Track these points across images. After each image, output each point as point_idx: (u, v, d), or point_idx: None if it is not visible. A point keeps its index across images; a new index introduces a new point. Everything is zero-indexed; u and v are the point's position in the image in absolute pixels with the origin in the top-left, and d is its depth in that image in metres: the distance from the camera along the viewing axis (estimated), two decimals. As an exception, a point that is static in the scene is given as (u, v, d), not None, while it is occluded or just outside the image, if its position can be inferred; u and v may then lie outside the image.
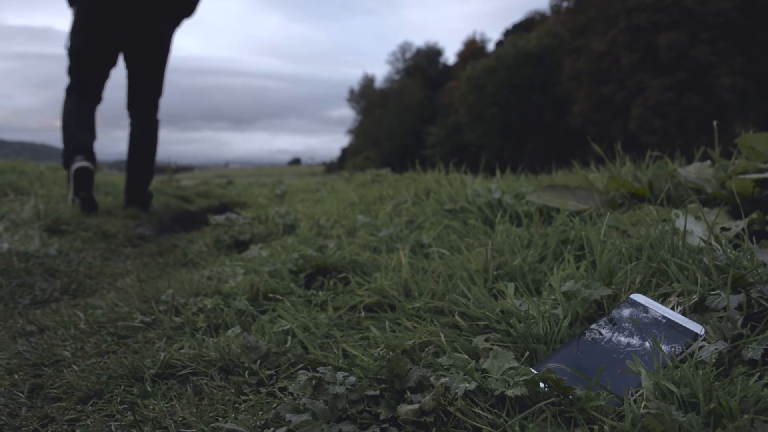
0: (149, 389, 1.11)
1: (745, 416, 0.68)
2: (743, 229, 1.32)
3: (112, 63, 3.87)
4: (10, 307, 1.82)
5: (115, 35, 3.74)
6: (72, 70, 3.78)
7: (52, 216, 3.04)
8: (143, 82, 3.99)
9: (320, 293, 1.56)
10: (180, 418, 0.97)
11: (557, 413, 0.80)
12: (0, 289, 1.98)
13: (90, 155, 3.64)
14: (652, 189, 1.85)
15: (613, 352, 0.96)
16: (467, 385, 0.86)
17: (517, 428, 0.78)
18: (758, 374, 0.81)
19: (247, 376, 1.12)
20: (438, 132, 40.12)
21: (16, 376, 1.23)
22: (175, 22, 4.02)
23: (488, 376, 0.89)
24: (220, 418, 0.96)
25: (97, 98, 3.86)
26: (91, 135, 3.72)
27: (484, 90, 35.42)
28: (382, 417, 0.86)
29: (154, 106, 4.06)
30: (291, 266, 1.77)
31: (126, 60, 3.91)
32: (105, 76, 3.87)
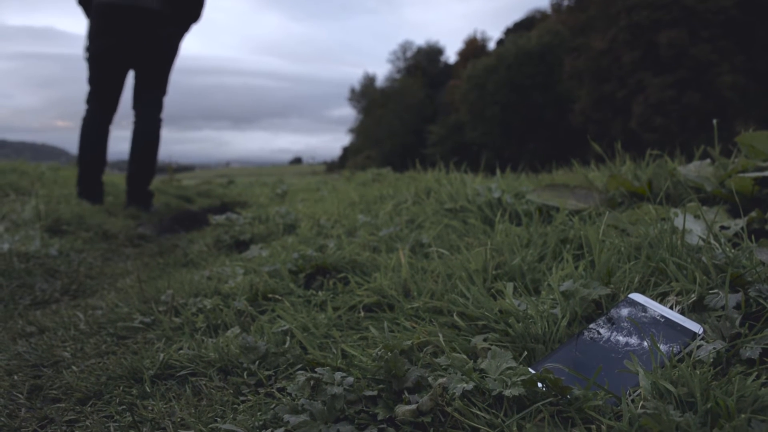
0: (148, 390, 1.11)
1: (743, 416, 0.68)
2: (742, 228, 1.32)
3: (126, 69, 4.03)
4: (10, 308, 1.83)
5: (126, 39, 3.88)
6: (91, 79, 3.99)
7: (52, 216, 3.04)
8: (149, 81, 4.11)
9: (320, 293, 1.56)
10: (179, 419, 0.98)
11: (555, 413, 0.80)
12: (0, 289, 1.99)
13: (98, 195, 4.06)
14: (652, 188, 1.85)
15: (612, 351, 0.96)
16: (465, 385, 0.86)
17: (515, 428, 0.78)
18: (756, 373, 0.81)
19: (245, 377, 1.12)
20: (439, 131, 40.08)
21: (15, 377, 1.24)
22: (183, 27, 4.17)
23: (486, 376, 0.89)
24: (218, 419, 0.97)
25: (113, 108, 4.06)
26: (101, 167, 4.09)
27: (485, 89, 35.37)
28: (379, 417, 0.86)
29: (159, 105, 4.14)
30: (291, 266, 1.77)
31: (134, 61, 3.98)
32: (120, 82, 4.04)
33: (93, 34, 3.91)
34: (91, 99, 4.01)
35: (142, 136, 4.11)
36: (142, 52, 3.95)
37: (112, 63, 3.95)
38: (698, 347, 0.91)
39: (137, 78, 4.09)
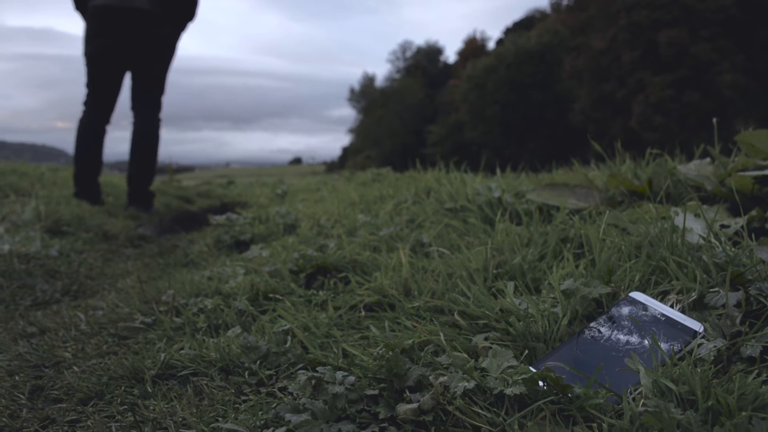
0: (149, 390, 1.12)
1: (743, 414, 0.68)
2: (742, 227, 1.32)
3: (122, 70, 4.04)
4: (11, 309, 1.83)
5: (121, 40, 3.90)
6: (88, 81, 4.02)
7: (52, 217, 3.04)
8: (147, 82, 4.12)
9: (320, 293, 1.56)
10: (180, 419, 0.98)
11: (556, 411, 0.80)
12: (1, 290, 1.99)
13: (95, 195, 4.08)
14: (652, 187, 1.85)
15: (612, 350, 0.96)
16: (466, 384, 0.86)
17: (516, 427, 0.78)
18: (756, 371, 0.81)
19: (247, 377, 1.12)
20: (439, 131, 40.08)
21: (17, 378, 1.24)
22: (179, 27, 4.18)
23: (487, 375, 0.89)
24: (220, 419, 0.97)
25: (110, 109, 4.08)
26: (97, 167, 4.13)
27: (485, 88, 35.38)
28: (381, 416, 0.86)
29: (157, 105, 4.14)
30: (291, 266, 1.78)
31: (130, 62, 3.99)
32: (117, 83, 4.05)
33: (89, 36, 3.94)
34: (88, 100, 4.03)
35: (141, 137, 4.12)
36: (138, 52, 3.97)
37: (108, 64, 3.96)
38: (699, 345, 0.91)
39: (135, 79, 4.10)
